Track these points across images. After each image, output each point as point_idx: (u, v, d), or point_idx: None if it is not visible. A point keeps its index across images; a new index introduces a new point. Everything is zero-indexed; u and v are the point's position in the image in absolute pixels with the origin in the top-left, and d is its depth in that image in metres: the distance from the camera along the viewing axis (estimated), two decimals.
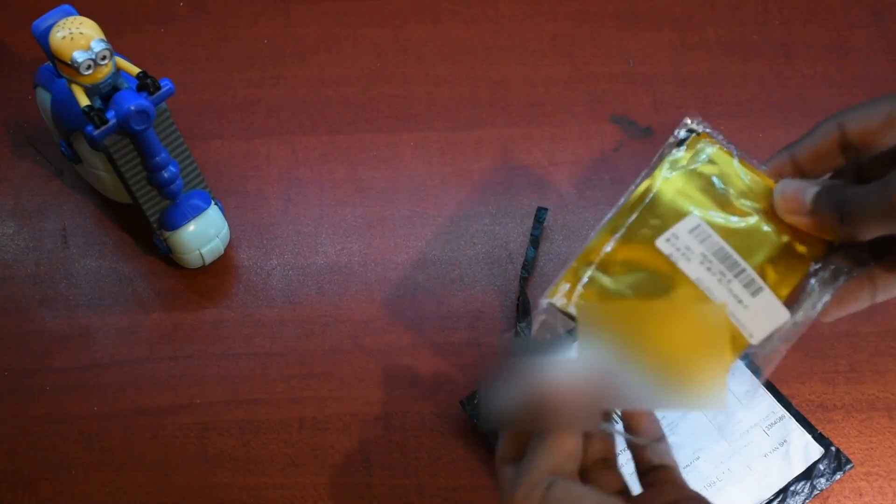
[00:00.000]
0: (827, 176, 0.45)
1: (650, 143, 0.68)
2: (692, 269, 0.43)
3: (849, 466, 0.56)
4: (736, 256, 0.45)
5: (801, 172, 0.45)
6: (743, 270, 0.45)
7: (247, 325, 0.62)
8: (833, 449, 0.57)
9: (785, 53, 0.72)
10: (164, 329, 0.62)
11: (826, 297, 0.44)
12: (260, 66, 0.71)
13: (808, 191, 0.43)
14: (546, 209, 0.65)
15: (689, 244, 0.44)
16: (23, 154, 0.68)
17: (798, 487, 0.55)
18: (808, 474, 0.56)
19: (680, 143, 0.45)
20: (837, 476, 0.56)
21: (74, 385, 0.60)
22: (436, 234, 0.65)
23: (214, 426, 0.59)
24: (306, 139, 0.68)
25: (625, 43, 0.72)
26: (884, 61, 0.71)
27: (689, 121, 0.46)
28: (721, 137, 0.47)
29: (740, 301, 0.45)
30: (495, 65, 0.71)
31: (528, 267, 0.63)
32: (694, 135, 0.45)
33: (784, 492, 0.55)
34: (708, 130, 0.46)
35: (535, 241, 0.64)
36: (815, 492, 0.55)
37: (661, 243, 0.43)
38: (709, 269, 0.43)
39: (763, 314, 0.45)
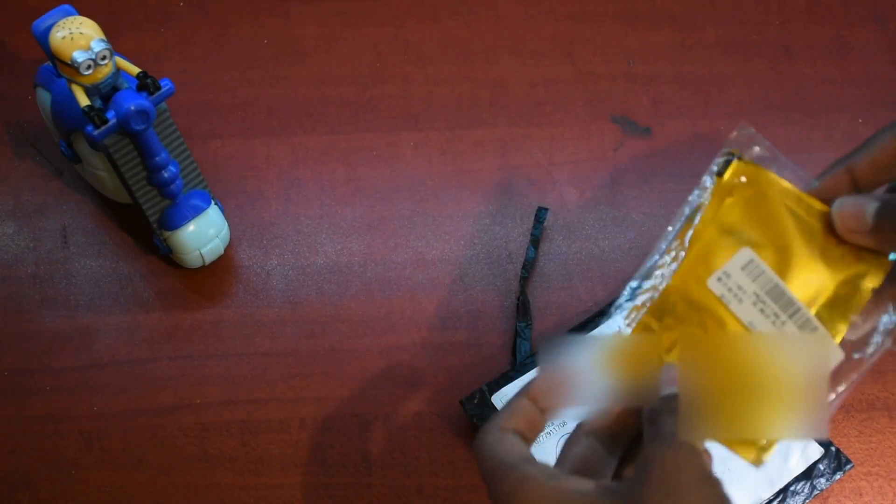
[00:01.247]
0: (882, 189, 0.43)
1: (650, 143, 0.68)
2: (744, 311, 0.41)
3: (849, 466, 0.56)
4: (790, 294, 0.42)
5: (857, 186, 0.43)
6: (798, 310, 0.43)
7: (247, 325, 0.62)
8: (833, 449, 0.57)
9: (785, 53, 0.72)
10: (164, 329, 0.62)
11: (892, 324, 0.42)
12: (260, 66, 0.71)
13: (870, 206, 0.41)
14: (546, 209, 0.65)
15: (741, 283, 0.41)
16: (23, 154, 0.68)
17: (798, 487, 0.55)
18: (808, 474, 0.56)
19: (721, 171, 0.42)
20: (837, 476, 0.56)
21: (74, 385, 0.60)
22: (436, 234, 0.65)
23: (214, 426, 0.59)
24: (306, 139, 0.68)
25: (625, 43, 0.72)
26: (884, 61, 0.71)
27: (735, 134, 0.43)
28: (772, 152, 0.44)
29: None
30: (495, 65, 0.71)
31: (528, 267, 0.63)
32: (735, 159, 0.42)
33: (784, 492, 0.55)
34: (761, 147, 0.43)
35: (535, 241, 0.64)
36: (815, 492, 0.55)
37: (712, 283, 0.42)
38: (762, 310, 0.41)
39: (816, 356, 0.42)
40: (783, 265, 0.41)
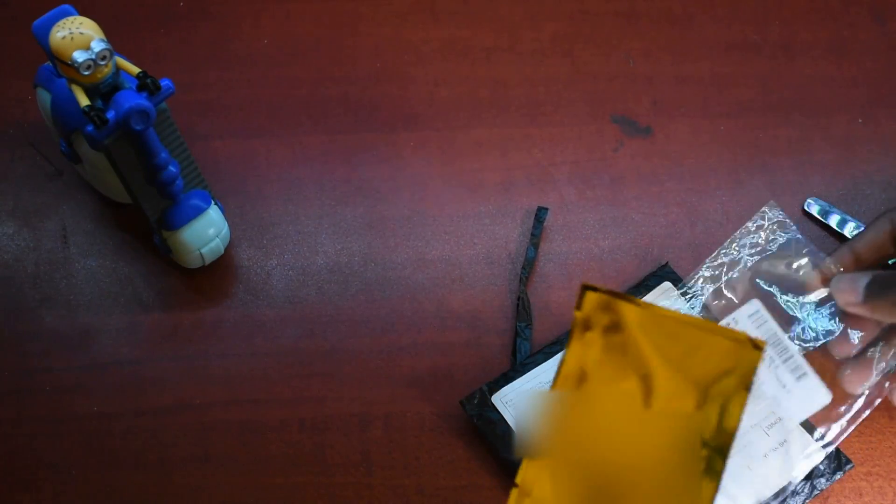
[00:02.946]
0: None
1: (650, 143, 0.68)
2: None
3: (849, 466, 0.56)
4: (787, 342, 0.50)
5: (860, 262, 0.52)
6: (791, 357, 0.51)
7: (247, 325, 0.62)
8: (833, 449, 0.56)
9: (785, 53, 0.72)
10: (164, 329, 0.62)
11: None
12: (260, 66, 0.71)
13: (860, 282, 0.49)
14: (546, 209, 0.65)
15: (746, 328, 0.47)
16: (23, 154, 0.68)
17: (798, 487, 0.55)
18: (808, 474, 0.56)
19: (579, 303, 0.42)
20: (837, 476, 0.56)
21: (74, 385, 0.60)
22: (436, 234, 0.65)
23: (214, 426, 0.59)
24: (306, 139, 0.68)
25: (625, 43, 0.72)
26: (884, 61, 0.71)
27: (763, 210, 0.52)
28: (795, 236, 0.53)
29: (784, 386, 0.51)
30: (495, 65, 0.71)
31: (528, 267, 0.63)
32: (589, 290, 0.42)
33: (784, 492, 0.55)
34: (785, 230, 0.52)
35: (535, 241, 0.64)
36: (815, 492, 0.55)
37: (722, 323, 0.46)
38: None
39: (805, 398, 0.51)
40: (648, 389, 0.41)
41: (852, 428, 0.55)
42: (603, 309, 0.42)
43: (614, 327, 0.42)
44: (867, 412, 0.55)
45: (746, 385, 0.40)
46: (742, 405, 0.40)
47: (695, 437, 0.40)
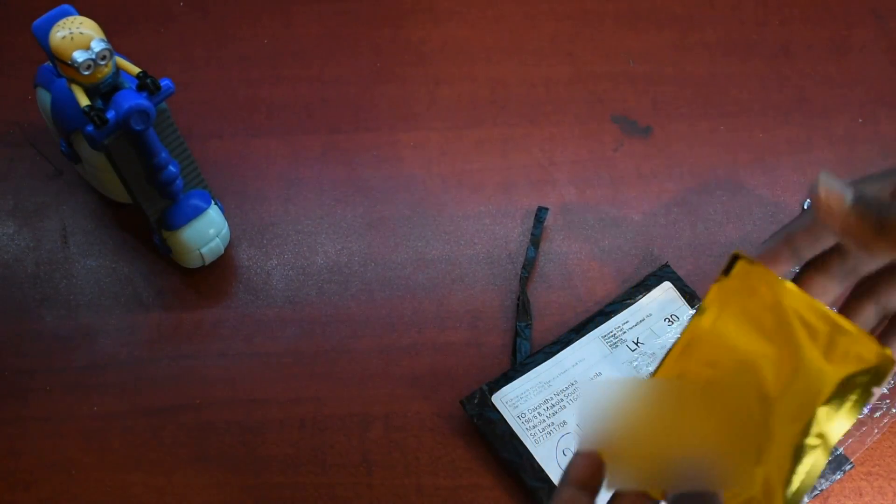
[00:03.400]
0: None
1: (650, 143, 0.68)
2: None
3: (849, 466, 0.56)
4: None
5: (797, 255, 0.43)
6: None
7: (247, 325, 0.62)
8: (833, 449, 0.57)
9: (785, 53, 0.72)
10: (164, 329, 0.62)
11: None
12: (260, 66, 0.71)
13: (846, 193, 0.39)
14: (546, 209, 0.65)
15: None
16: (23, 154, 0.68)
17: None
18: None
19: (727, 269, 0.41)
20: (837, 476, 0.56)
21: (74, 385, 0.60)
22: (436, 234, 0.65)
23: (214, 426, 0.59)
24: (306, 139, 0.68)
25: (625, 43, 0.72)
26: (884, 61, 0.71)
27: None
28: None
29: None
30: (495, 65, 0.71)
31: (528, 267, 0.63)
32: (740, 259, 0.41)
33: None
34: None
35: (535, 241, 0.64)
36: (815, 492, 0.55)
37: None
38: None
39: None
40: (783, 364, 0.40)
41: (863, 448, 0.55)
42: (752, 281, 0.41)
43: (761, 299, 0.41)
44: (876, 435, 0.55)
45: (863, 400, 0.39)
46: (864, 403, 0.39)
47: (796, 438, 0.39)
